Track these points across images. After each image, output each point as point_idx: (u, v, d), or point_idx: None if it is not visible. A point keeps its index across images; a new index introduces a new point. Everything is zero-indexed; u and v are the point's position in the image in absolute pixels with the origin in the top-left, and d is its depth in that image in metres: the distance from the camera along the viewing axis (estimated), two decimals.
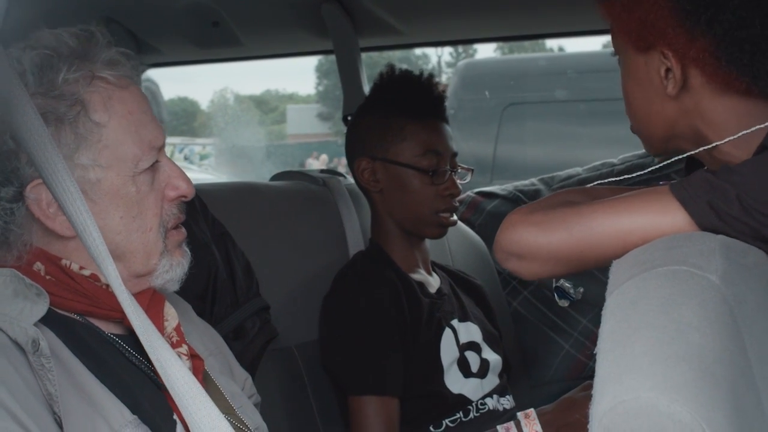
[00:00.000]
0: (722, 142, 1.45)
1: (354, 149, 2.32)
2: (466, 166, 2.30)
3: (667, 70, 1.46)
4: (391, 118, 2.25)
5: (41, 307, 1.37)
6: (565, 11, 2.70)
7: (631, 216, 1.38)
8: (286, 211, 2.32)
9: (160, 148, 1.53)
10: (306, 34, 2.86)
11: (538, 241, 1.45)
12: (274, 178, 2.52)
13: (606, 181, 1.63)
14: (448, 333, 2.23)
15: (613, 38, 1.57)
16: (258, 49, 3.02)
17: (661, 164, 1.58)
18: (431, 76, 2.29)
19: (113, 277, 1.17)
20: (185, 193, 1.55)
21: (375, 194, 2.30)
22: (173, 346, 1.52)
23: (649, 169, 1.78)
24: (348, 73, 2.85)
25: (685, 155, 1.54)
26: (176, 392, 1.15)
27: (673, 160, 1.57)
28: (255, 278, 2.06)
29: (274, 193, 2.32)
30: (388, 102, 2.27)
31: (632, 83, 1.54)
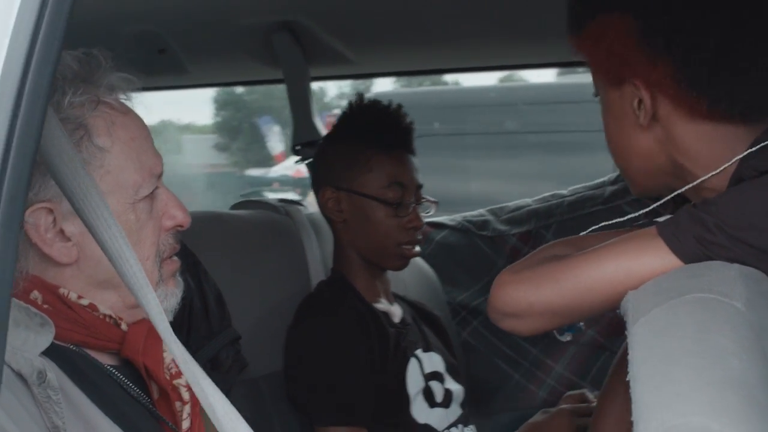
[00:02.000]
0: (704, 177, 1.46)
1: (319, 178, 2.31)
2: (430, 199, 2.30)
3: (639, 101, 1.47)
4: (357, 149, 2.24)
5: (46, 338, 1.33)
6: (518, 44, 2.74)
7: (618, 263, 1.39)
8: (251, 240, 2.29)
9: (159, 176, 1.51)
10: (255, 63, 2.84)
11: (529, 299, 1.46)
12: (235, 207, 2.49)
13: (591, 229, 1.62)
14: (413, 363, 2.23)
15: (592, 76, 1.59)
16: (205, 78, 3.00)
17: (651, 206, 1.57)
18: (399, 106, 2.29)
19: (153, 305, 1.14)
20: (182, 222, 1.54)
21: (339, 224, 2.29)
22: (172, 377, 1.50)
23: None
24: (298, 102, 2.84)
25: (660, 201, 1.56)
26: (220, 424, 1.12)
27: (658, 204, 1.57)
28: (227, 308, 2.03)
29: (239, 222, 2.29)
30: (356, 132, 2.27)
31: (610, 119, 1.56)
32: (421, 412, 2.20)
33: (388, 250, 2.25)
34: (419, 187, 2.28)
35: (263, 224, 2.34)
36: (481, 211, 2.89)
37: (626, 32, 1.46)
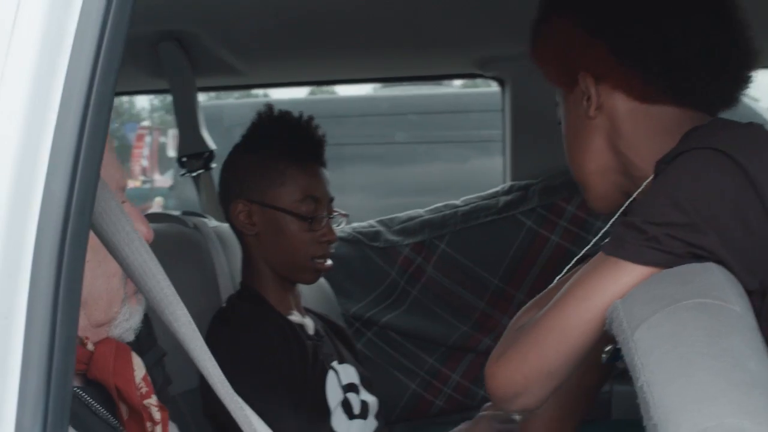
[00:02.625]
0: (649, 179, 1.49)
1: (229, 191, 2.26)
2: (342, 212, 2.29)
3: (588, 97, 1.54)
4: (270, 161, 2.21)
5: None
6: (408, 56, 2.77)
7: (591, 299, 1.40)
8: (161, 255, 2.21)
9: (124, 189, 1.45)
10: (141, 73, 2.77)
11: (523, 373, 1.46)
12: None
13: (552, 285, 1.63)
14: (331, 375, 2.22)
15: (557, 95, 1.65)
16: None
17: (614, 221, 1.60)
18: (311, 118, 2.27)
19: (184, 322, 1.09)
20: (147, 237, 1.48)
21: (250, 237, 2.25)
22: (143, 397, 1.45)
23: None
24: (184, 113, 2.79)
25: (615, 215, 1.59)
26: None
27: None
28: (152, 325, 1.97)
29: None
30: (268, 144, 2.23)
31: (568, 129, 1.63)
32: (341, 424, 2.18)
33: (301, 264, 2.23)
34: (331, 200, 2.27)
35: (174, 238, 2.27)
36: (371, 222, 2.89)
37: (567, 29, 1.56)
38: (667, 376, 1.19)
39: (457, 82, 7.30)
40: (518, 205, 2.75)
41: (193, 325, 1.10)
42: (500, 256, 2.75)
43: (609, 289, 1.39)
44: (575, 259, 1.60)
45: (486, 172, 4.93)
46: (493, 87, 3.07)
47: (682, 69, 1.50)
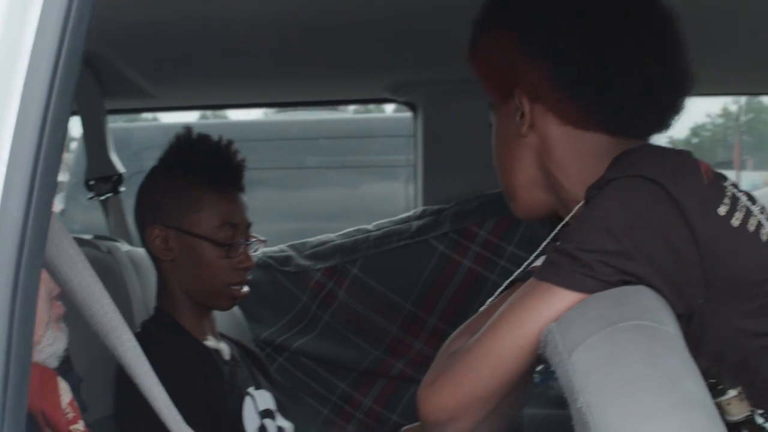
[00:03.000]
0: (580, 205, 1.52)
1: (146, 215, 2.22)
2: (260, 238, 2.27)
3: (522, 114, 1.56)
4: (188, 186, 2.17)
5: None
6: (321, 80, 2.78)
7: (525, 323, 1.42)
8: None
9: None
10: None
11: (456, 398, 1.46)
12: None
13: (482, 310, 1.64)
14: (248, 400, 2.19)
15: (490, 105, 1.67)
16: None
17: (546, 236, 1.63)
18: (230, 142, 2.24)
19: (130, 346, 1.07)
20: None
21: (166, 263, 2.21)
22: (69, 422, 1.41)
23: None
24: (93, 136, 2.74)
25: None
26: None
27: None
28: (69, 351, 1.92)
29: None
30: (186, 168, 2.20)
31: (497, 138, 1.65)
32: None
33: (217, 291, 2.20)
34: (249, 225, 2.25)
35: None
36: (282, 246, 2.87)
37: (509, 45, 1.56)
38: (606, 397, 1.21)
39: (350, 108, 7.33)
40: (431, 229, 2.76)
41: (139, 350, 1.08)
42: (412, 280, 2.76)
43: (542, 314, 1.40)
44: (506, 283, 1.60)
45: (390, 198, 4.97)
46: (400, 113, 3.09)
47: (619, 100, 1.52)
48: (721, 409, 1.27)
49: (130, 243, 2.58)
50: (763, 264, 1.40)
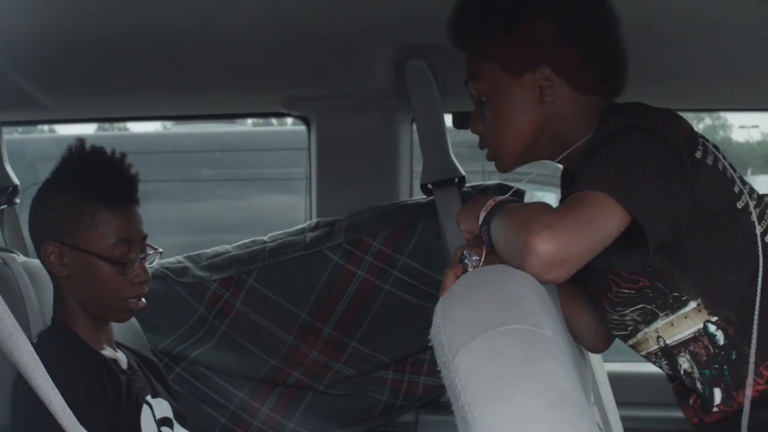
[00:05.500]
0: (578, 143, 1.88)
1: (40, 231, 2.22)
2: (156, 248, 2.29)
3: (542, 87, 1.87)
4: (82, 203, 2.17)
5: None
6: (216, 93, 2.82)
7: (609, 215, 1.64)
8: None
9: None
10: None
11: (568, 248, 1.57)
12: None
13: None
14: (146, 409, 2.22)
15: (480, 83, 1.93)
16: None
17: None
18: (123, 156, 2.25)
19: (25, 352, 1.11)
20: None
21: (62, 278, 2.22)
22: None
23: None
24: None
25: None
26: None
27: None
28: None
29: None
30: (79, 184, 2.20)
31: (507, 108, 1.90)
32: None
33: (114, 305, 2.22)
34: (145, 237, 2.27)
35: None
36: (179, 257, 2.90)
37: (545, 32, 1.87)
38: (487, 397, 1.29)
39: (250, 121, 7.34)
40: (325, 240, 2.82)
41: (35, 356, 1.12)
42: (308, 290, 2.82)
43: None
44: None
45: (287, 210, 5.01)
46: (298, 126, 3.15)
47: (617, 70, 1.93)
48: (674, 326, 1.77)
49: (26, 254, 2.58)
50: (726, 194, 1.78)
